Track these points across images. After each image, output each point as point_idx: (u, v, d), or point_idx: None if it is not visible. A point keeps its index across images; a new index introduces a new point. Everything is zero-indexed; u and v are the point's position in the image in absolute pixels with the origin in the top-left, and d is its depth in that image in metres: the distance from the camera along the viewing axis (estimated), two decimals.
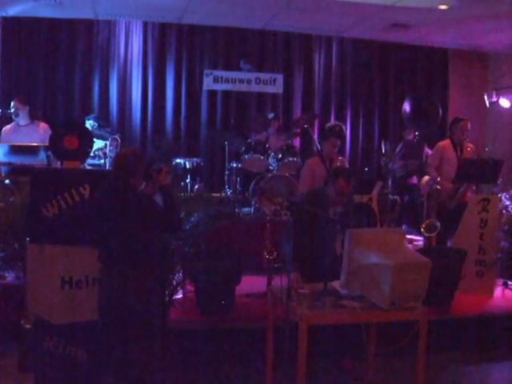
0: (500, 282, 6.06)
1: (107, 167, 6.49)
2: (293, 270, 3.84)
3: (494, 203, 5.94)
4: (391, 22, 8.15)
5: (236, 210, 7.15)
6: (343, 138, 8.33)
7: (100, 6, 7.81)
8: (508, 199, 6.35)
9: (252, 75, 9.04)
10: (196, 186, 7.33)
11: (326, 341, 4.32)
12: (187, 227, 4.42)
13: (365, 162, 9.43)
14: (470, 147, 6.46)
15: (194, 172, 7.67)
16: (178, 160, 7.61)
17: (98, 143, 7.14)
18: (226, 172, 7.86)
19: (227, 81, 9.03)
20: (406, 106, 8.21)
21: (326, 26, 8.70)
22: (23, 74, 8.37)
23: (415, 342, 3.61)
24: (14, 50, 8.33)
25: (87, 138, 4.25)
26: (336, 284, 3.69)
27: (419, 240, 7.27)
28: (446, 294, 5.25)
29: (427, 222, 6.49)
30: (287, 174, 7.36)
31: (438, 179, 6.38)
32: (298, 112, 9.29)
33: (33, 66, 8.37)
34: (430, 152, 8.02)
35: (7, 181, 5.43)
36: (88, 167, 6.31)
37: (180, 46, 8.96)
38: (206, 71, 8.98)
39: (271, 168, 7.62)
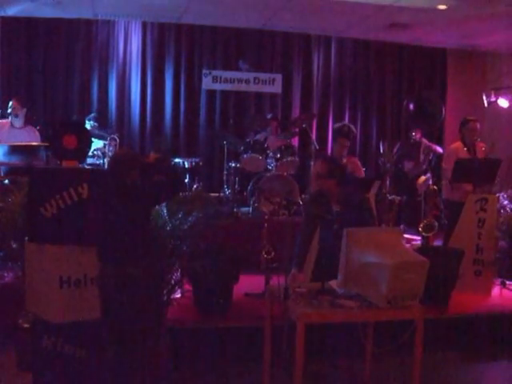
0: (498, 281, 6.06)
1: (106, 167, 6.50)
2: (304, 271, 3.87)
3: (492, 203, 5.94)
4: (390, 22, 8.15)
5: (234, 210, 7.18)
6: (353, 138, 8.20)
7: (99, 5, 7.82)
8: (506, 199, 6.35)
9: (251, 75, 9.05)
10: (195, 186, 7.34)
11: (323, 340, 4.33)
12: (185, 227, 4.43)
13: (363, 161, 9.41)
14: (483, 147, 6.38)
15: (193, 172, 7.69)
16: (177, 160, 7.63)
17: (96, 143, 7.16)
18: (225, 172, 7.87)
19: (226, 81, 9.04)
20: (410, 106, 8.20)
21: (324, 26, 8.70)
22: (22, 73, 8.36)
23: (412, 340, 3.61)
24: (14, 49, 8.32)
25: (86, 137, 4.27)
26: (333, 283, 3.70)
27: (417, 239, 7.28)
28: (444, 294, 5.25)
29: (425, 221, 6.52)
30: (286, 174, 7.37)
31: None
32: (296, 112, 9.30)
33: (32, 66, 8.37)
34: (439, 150, 8.02)
35: (6, 181, 5.43)
36: (87, 167, 6.33)
37: (179, 45, 8.96)
38: (204, 71, 8.99)
39: (270, 168, 7.62)
